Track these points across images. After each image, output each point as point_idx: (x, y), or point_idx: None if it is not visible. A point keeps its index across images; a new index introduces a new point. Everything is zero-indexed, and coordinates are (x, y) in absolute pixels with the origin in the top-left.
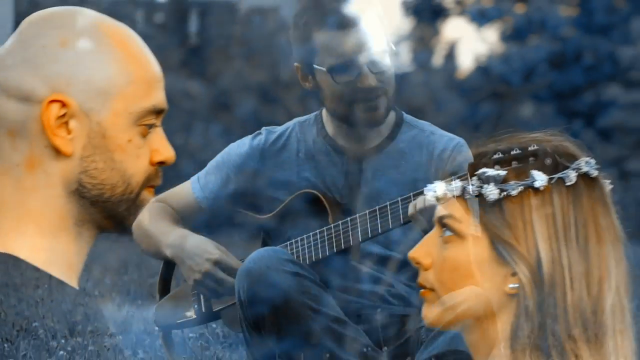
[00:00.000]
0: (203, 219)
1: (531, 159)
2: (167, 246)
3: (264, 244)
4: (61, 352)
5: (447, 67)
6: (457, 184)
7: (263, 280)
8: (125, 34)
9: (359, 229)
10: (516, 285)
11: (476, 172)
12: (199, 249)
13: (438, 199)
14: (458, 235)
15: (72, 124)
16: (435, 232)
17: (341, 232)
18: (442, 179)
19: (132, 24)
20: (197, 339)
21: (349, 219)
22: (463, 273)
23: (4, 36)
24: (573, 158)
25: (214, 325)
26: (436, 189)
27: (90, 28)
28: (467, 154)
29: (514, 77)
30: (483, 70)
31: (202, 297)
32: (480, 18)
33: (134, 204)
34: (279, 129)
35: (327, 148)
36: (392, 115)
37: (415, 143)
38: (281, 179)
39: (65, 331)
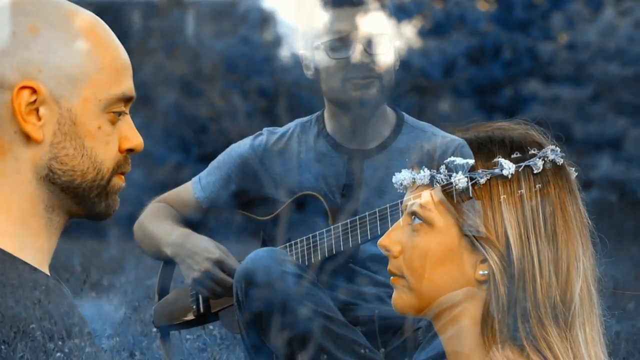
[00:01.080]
0: (204, 219)
1: (531, 162)
2: (167, 245)
3: (264, 245)
4: (58, 354)
5: None
6: (425, 172)
7: (261, 281)
8: (94, 22)
9: (359, 231)
10: (486, 272)
11: (445, 161)
12: (200, 248)
13: (405, 188)
14: (427, 223)
15: (43, 110)
16: (404, 220)
17: (340, 234)
18: (431, 168)
19: None
20: (195, 341)
21: (348, 221)
22: (433, 260)
23: None
24: (539, 146)
25: (211, 327)
26: (404, 178)
27: (60, 16)
28: (468, 155)
29: (434, 72)
30: (403, 64)
31: (200, 298)
32: (400, 13)
33: (105, 191)
34: (280, 130)
35: (328, 148)
36: (392, 116)
37: (417, 144)
38: (282, 180)
39: (62, 333)
